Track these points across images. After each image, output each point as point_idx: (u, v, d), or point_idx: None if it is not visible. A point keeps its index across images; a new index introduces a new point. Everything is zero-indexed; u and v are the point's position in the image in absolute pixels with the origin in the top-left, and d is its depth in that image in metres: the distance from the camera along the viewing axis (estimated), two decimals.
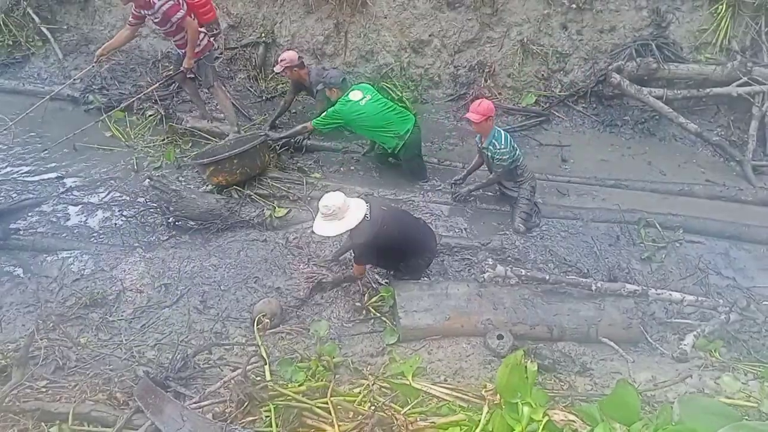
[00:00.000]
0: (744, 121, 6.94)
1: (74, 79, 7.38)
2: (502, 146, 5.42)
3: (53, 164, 6.59)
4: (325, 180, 6.24)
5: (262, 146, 6.05)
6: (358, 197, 5.73)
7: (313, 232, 4.39)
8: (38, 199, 6.04)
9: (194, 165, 6.11)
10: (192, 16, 6.11)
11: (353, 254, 4.77)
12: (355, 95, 5.89)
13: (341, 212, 4.19)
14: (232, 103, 7.09)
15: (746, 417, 3.06)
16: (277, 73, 6.89)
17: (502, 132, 5.50)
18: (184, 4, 5.99)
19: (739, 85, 6.70)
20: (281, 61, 6.54)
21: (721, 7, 6.82)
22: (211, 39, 6.55)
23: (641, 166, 6.67)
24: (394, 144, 5.96)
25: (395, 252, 4.64)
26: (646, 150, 6.92)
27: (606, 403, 2.06)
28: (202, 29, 6.30)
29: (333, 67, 7.39)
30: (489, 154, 5.53)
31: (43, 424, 3.23)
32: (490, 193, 6.04)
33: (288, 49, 7.19)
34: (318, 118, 6.01)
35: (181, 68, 6.41)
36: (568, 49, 7.41)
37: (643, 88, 6.94)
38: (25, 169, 6.54)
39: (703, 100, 7.04)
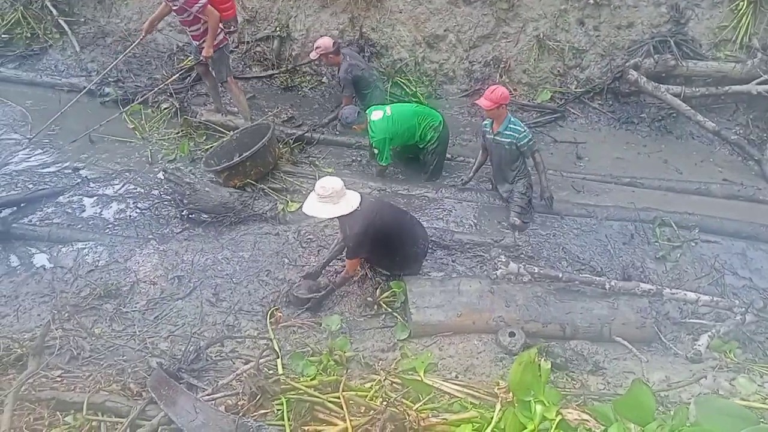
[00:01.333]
0: (763, 120, 6.83)
1: (116, 61, 7.34)
2: (523, 129, 5.46)
3: (69, 156, 6.65)
4: (338, 175, 6.24)
5: (271, 142, 6.06)
6: (370, 192, 5.79)
7: (302, 211, 4.43)
8: (54, 190, 6.11)
9: (208, 172, 6.13)
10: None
11: (347, 248, 4.68)
12: (376, 115, 5.87)
13: (337, 197, 4.22)
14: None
15: (762, 420, 3.02)
16: (311, 60, 6.96)
17: (516, 119, 5.53)
18: None
19: (758, 83, 6.58)
20: (316, 48, 6.52)
21: (741, 3, 6.71)
22: (227, 35, 6.56)
23: (657, 164, 6.60)
24: (430, 137, 5.98)
25: (391, 241, 4.62)
26: (662, 148, 6.85)
27: (620, 403, 2.05)
28: (219, 24, 6.31)
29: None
30: (506, 140, 5.46)
31: (58, 413, 3.27)
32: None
33: (322, 36, 7.09)
34: (379, 157, 5.97)
35: (201, 57, 6.44)
36: (584, 45, 7.33)
37: (661, 85, 6.85)
38: (42, 160, 6.60)
39: (722, 98, 6.93)
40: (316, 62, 7.15)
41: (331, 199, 4.21)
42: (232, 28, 6.69)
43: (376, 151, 5.99)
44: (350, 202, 4.28)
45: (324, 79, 7.82)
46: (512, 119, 5.50)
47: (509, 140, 5.46)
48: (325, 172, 6.27)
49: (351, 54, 6.77)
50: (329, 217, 4.43)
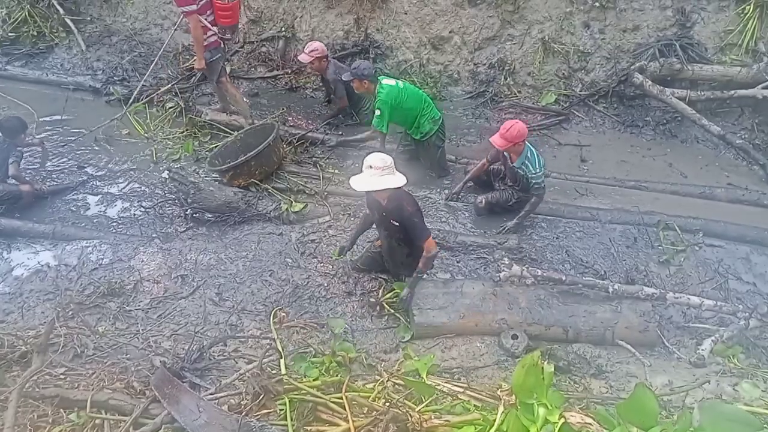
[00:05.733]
0: None
1: (161, 51, 7.39)
2: (537, 170, 5.18)
3: (74, 154, 6.67)
4: (342, 175, 6.25)
5: (275, 142, 6.07)
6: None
7: (352, 187, 4.14)
8: (70, 186, 6.18)
9: (212, 171, 6.15)
10: (210, 11, 6.10)
11: (418, 228, 4.25)
12: (389, 81, 5.87)
13: (390, 171, 4.05)
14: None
15: (766, 425, 3.01)
16: (303, 64, 6.95)
17: (535, 152, 5.26)
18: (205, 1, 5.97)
19: (764, 88, 6.57)
20: (313, 50, 6.55)
21: (748, 7, 6.69)
22: (220, 40, 6.43)
23: (662, 167, 6.59)
24: (428, 128, 5.94)
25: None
26: (667, 152, 6.83)
27: (624, 407, 2.04)
28: (214, 28, 6.25)
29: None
30: (520, 172, 5.31)
31: (62, 410, 3.27)
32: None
33: (314, 40, 7.25)
34: (375, 119, 5.80)
35: (194, 68, 6.40)
36: (589, 48, 7.32)
37: (666, 88, 6.84)
38: (49, 158, 6.61)
39: (727, 102, 6.93)
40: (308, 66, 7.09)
41: (387, 171, 4.01)
42: (227, 35, 6.56)
43: (377, 112, 5.74)
44: (401, 178, 4.10)
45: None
46: (530, 153, 5.21)
47: (522, 173, 5.31)
48: (329, 172, 6.28)
49: (334, 61, 6.93)
50: (385, 188, 4.09)
